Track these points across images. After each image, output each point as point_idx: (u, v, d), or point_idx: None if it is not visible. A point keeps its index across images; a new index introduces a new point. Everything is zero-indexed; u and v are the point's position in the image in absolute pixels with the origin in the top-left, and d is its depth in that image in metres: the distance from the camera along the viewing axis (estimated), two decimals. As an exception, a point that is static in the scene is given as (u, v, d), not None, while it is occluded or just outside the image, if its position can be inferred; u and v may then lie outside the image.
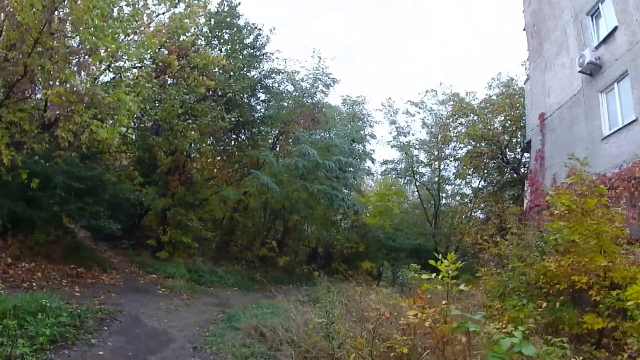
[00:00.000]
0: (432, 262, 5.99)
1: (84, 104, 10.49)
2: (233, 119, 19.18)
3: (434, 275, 6.22)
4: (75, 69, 10.09)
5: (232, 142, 23.31)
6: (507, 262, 10.21)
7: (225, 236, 22.84)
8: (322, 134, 23.59)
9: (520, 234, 10.85)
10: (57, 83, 9.42)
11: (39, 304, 8.26)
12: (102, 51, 10.50)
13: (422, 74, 75.63)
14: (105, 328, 8.91)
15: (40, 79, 10.56)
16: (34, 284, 10.80)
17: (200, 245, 20.49)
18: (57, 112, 9.84)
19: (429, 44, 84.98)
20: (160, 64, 16.77)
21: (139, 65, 15.82)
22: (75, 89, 9.97)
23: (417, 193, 37.12)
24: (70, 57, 9.98)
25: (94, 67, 12.86)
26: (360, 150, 27.71)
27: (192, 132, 15.90)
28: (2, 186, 12.26)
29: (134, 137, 19.15)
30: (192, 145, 17.63)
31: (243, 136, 22.94)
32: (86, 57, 10.32)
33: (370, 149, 32.39)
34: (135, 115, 17.44)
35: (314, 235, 30.49)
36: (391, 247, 30.36)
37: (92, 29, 9.98)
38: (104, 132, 10.00)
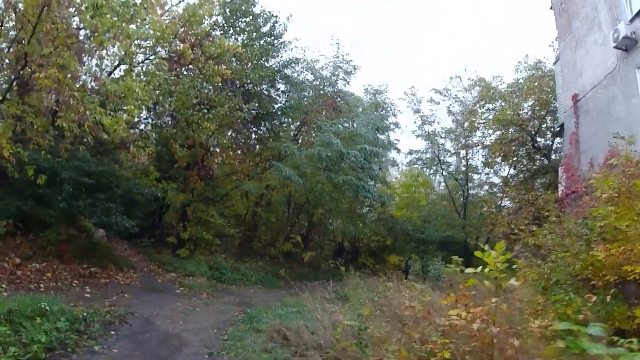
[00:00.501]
0: (478, 253, 4.90)
1: (87, 92, 9.67)
2: (252, 110, 18.32)
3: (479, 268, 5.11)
4: (74, 53, 9.20)
5: (253, 135, 22.36)
6: (546, 253, 9.15)
7: (247, 232, 21.94)
8: (346, 124, 22.41)
9: (560, 222, 9.77)
10: (55, 69, 8.54)
11: (39, 308, 7.45)
12: (106, 35, 9.55)
13: (430, 68, 73.37)
14: (113, 333, 8.06)
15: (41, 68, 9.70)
16: (41, 285, 10.06)
17: (222, 242, 19.66)
18: (56, 99, 9.00)
19: (437, 38, 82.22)
20: (173, 54, 16.01)
21: (152, 56, 15.05)
22: (75, 74, 9.12)
23: (443, 183, 35.76)
24: (69, 42, 9.08)
25: (106, 62, 12.16)
26: (384, 140, 26.52)
27: (208, 123, 14.95)
28: (10, 184, 11.61)
29: (153, 134, 18.48)
30: (211, 138, 16.71)
31: (263, 128, 21.99)
32: (87, 40, 9.44)
33: (395, 139, 31.20)
34: (150, 108, 16.73)
35: (339, 229, 29.45)
36: (420, 240, 29.27)
37: (92, 11, 9.09)
38: (108, 119, 9.13)
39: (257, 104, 19.77)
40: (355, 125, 21.31)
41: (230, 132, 19.79)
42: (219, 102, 15.90)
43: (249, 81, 18.44)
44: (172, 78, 14.88)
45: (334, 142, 18.39)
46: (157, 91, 12.28)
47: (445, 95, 30.05)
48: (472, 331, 5.03)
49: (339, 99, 23.84)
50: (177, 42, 15.35)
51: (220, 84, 15.93)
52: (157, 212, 19.94)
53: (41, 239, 12.00)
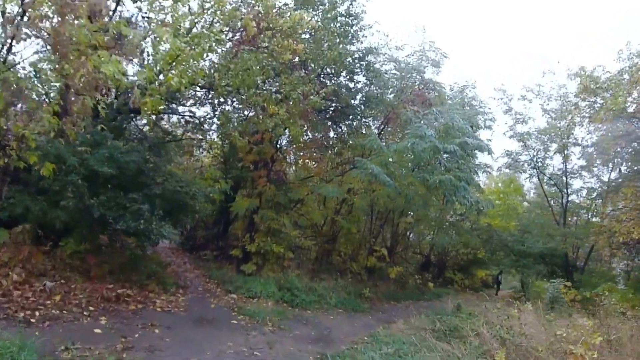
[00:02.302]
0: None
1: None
2: (329, 102, 14.77)
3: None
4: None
5: (331, 133, 18.58)
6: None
7: (326, 244, 18.16)
8: (440, 119, 17.98)
9: None
10: None
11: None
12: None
13: (517, 63, 65.45)
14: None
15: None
16: (37, 314, 6.84)
17: (296, 256, 15.99)
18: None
19: (523, 31, 72.83)
20: (235, 32, 12.83)
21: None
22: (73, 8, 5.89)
23: (535, 189, 31.43)
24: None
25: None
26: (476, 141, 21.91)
27: (276, 108, 11.38)
28: (23, 180, 8.73)
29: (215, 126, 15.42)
30: (281, 128, 13.16)
31: (343, 127, 18.24)
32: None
33: (487, 138, 26.42)
34: (210, 99, 13.60)
35: (425, 240, 25.25)
36: (520, 252, 24.55)
37: None
38: (111, 66, 5.79)
39: (334, 97, 16.25)
40: (450, 117, 16.95)
41: (305, 127, 16.13)
42: (289, 85, 12.33)
43: (325, 67, 14.87)
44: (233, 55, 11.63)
45: (428, 134, 14.30)
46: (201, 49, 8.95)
47: (537, 93, 25.13)
48: None
49: (427, 91, 19.67)
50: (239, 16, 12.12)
51: (290, 66, 12.46)
52: (223, 221, 16.81)
53: (61, 250, 8.97)
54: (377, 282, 18.80)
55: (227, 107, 14.17)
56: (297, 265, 15.78)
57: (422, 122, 15.69)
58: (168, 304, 9.20)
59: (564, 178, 25.55)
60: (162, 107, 7.91)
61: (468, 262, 28.44)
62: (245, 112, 13.48)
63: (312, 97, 12.83)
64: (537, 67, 54.38)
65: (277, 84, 12.73)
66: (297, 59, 13.52)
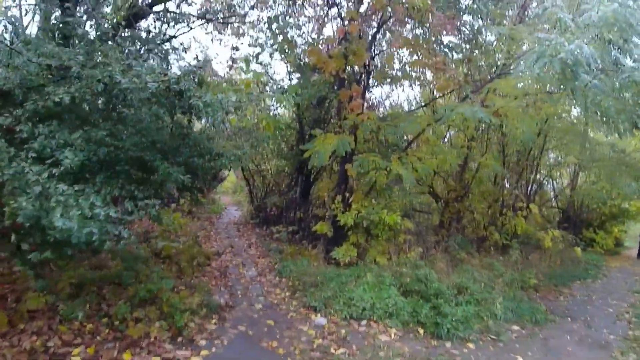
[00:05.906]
0: None
1: None
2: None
3: None
4: None
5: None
6: None
7: (454, 203, 11.78)
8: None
9: None
10: None
11: None
12: None
13: None
14: None
15: None
16: None
17: (415, 227, 9.78)
18: None
19: None
20: None
21: None
22: None
23: None
24: None
25: None
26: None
27: None
28: None
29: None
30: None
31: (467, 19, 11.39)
32: None
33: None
34: None
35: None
36: None
37: None
38: None
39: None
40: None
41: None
42: None
43: None
44: None
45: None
46: None
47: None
48: None
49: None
50: None
51: None
52: (301, 180, 11.15)
53: None
54: (527, 255, 12.25)
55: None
56: (417, 240, 9.66)
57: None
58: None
59: None
60: None
61: (610, 216, 20.87)
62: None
63: None
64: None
65: None
66: None
